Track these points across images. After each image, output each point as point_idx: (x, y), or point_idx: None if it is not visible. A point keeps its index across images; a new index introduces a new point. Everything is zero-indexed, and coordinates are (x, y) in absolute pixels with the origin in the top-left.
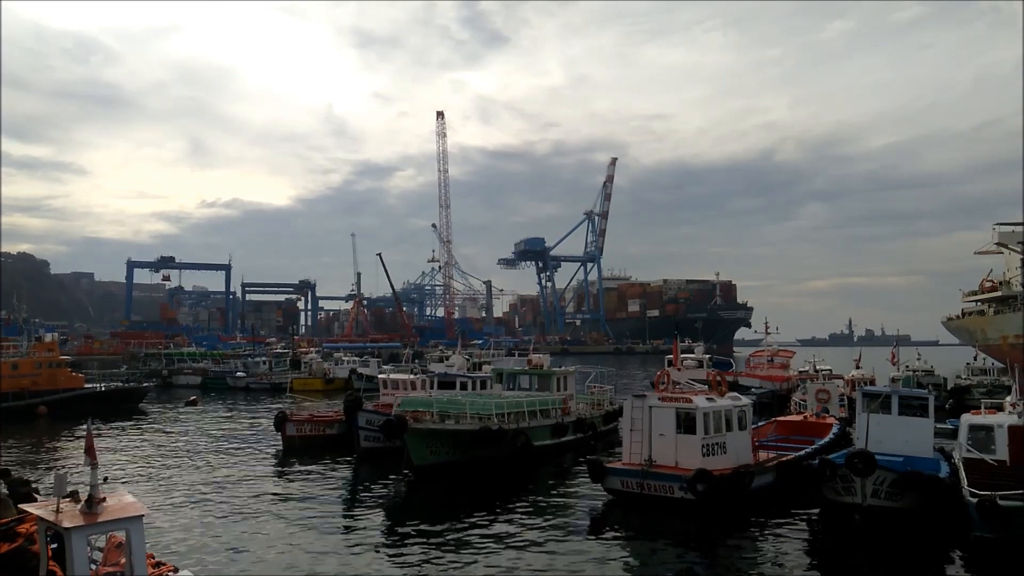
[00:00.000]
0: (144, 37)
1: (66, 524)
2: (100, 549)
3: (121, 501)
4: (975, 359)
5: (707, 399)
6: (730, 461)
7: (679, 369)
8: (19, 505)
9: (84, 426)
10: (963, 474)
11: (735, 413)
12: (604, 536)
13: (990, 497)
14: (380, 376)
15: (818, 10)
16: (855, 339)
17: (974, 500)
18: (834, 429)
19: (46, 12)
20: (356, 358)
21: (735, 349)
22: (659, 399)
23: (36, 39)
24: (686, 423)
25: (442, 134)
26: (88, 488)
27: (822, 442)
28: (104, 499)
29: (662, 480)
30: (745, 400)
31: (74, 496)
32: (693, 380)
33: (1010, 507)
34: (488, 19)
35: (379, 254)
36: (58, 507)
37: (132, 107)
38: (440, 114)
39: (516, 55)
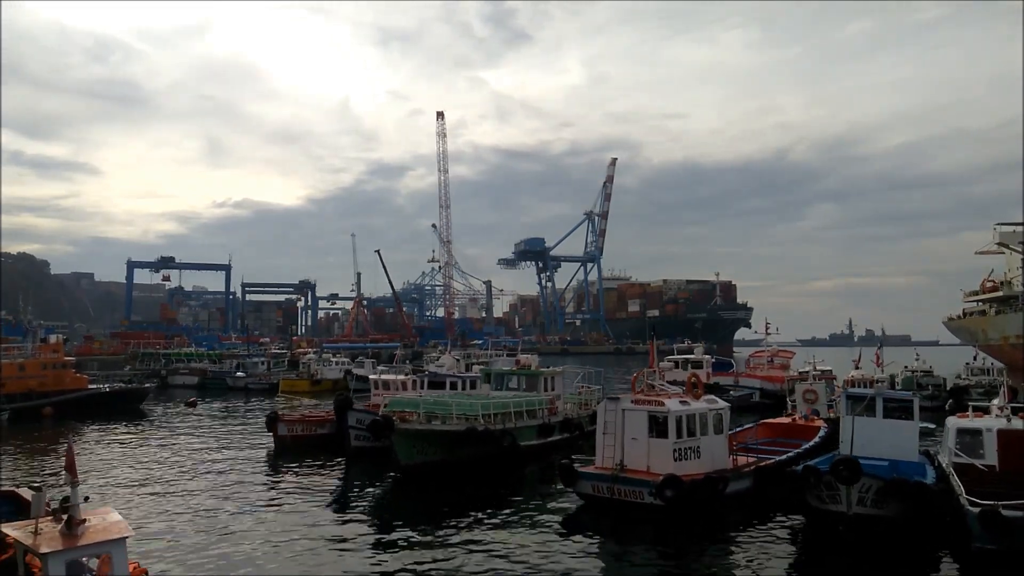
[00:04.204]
0: (168, 36)
1: (43, 549)
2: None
3: (105, 521)
4: (975, 359)
5: (680, 402)
6: (704, 466)
7: (655, 371)
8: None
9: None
10: (956, 481)
11: (710, 416)
12: (574, 542)
13: (992, 507)
14: (372, 376)
15: (839, 10)
16: (855, 339)
17: (975, 510)
18: (821, 432)
19: (69, 12)
20: (346, 359)
21: (735, 349)
22: (632, 402)
23: (58, 38)
24: (658, 426)
25: (442, 134)
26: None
27: (807, 445)
28: (85, 520)
29: (632, 485)
30: (722, 403)
31: (56, 515)
32: (670, 382)
33: (1014, 518)
34: (513, 16)
35: (377, 251)
36: (36, 528)
37: (150, 106)
38: (440, 114)
39: (536, 53)
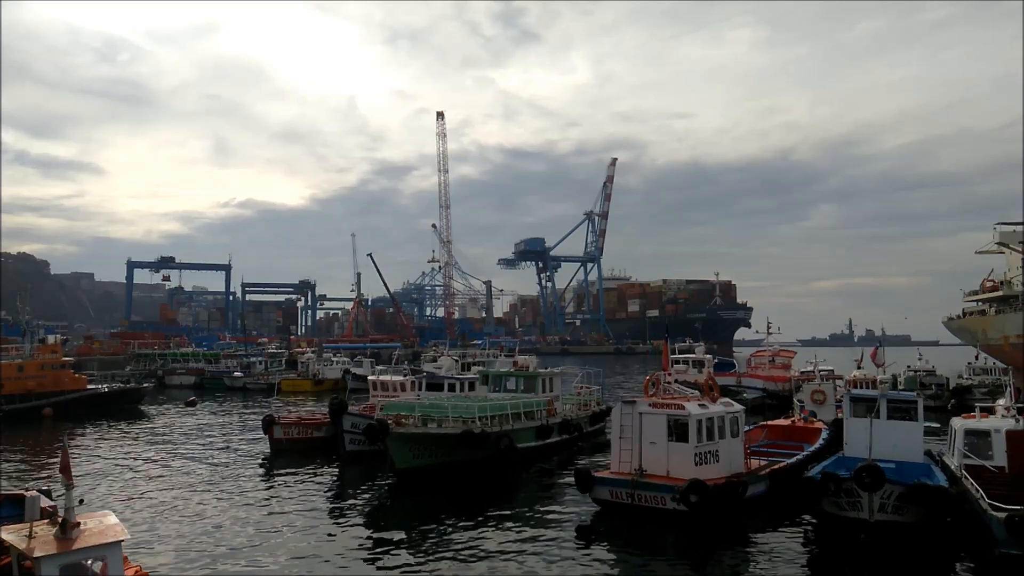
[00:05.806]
0: (175, 36)
1: (37, 553)
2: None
3: (101, 524)
4: (976, 359)
5: (699, 405)
6: (723, 470)
7: (669, 374)
8: None
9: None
10: (974, 484)
11: (728, 420)
12: (592, 548)
13: (1020, 512)
14: (370, 378)
15: (846, 9)
16: (855, 339)
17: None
18: (823, 434)
19: (78, 12)
20: (346, 359)
21: (735, 349)
22: (649, 405)
23: (67, 38)
24: (678, 430)
25: (443, 135)
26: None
27: (812, 448)
28: (79, 524)
29: (653, 491)
30: (738, 406)
31: (52, 518)
32: (683, 384)
33: None
34: (521, 15)
35: (370, 254)
36: (31, 532)
37: (156, 106)
38: (440, 114)
39: (544, 52)
